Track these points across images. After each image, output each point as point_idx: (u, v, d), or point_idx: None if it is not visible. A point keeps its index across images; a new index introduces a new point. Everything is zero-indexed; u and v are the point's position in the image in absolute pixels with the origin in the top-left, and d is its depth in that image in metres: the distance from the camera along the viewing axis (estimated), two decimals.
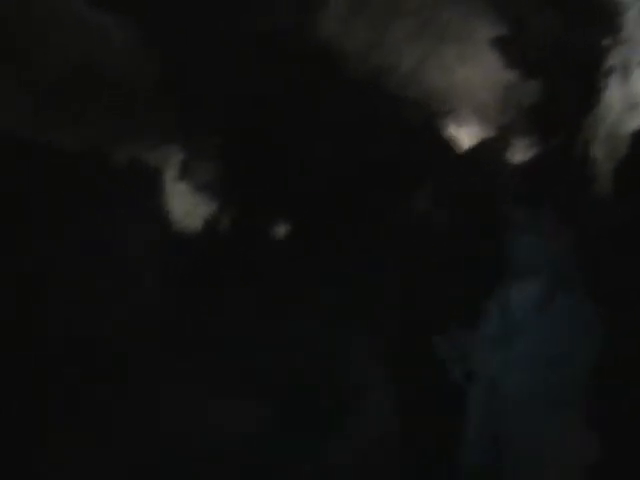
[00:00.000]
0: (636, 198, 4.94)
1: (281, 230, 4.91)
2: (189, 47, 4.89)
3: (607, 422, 4.25)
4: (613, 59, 5.14)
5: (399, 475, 4.45)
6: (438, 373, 4.52)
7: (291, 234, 4.89)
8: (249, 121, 4.92)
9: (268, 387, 4.45)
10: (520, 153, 5.12)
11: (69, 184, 4.75)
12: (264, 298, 4.72)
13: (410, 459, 4.45)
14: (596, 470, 4.17)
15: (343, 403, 4.44)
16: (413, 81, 5.09)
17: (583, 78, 5.18)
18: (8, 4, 4.60)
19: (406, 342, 4.66)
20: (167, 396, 4.39)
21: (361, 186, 4.96)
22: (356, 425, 4.45)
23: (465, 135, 5.13)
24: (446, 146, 5.10)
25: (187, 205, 4.94)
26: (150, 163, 4.86)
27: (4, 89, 4.61)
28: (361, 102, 5.02)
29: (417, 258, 4.86)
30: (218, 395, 4.39)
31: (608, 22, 5.20)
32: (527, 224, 4.97)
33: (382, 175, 5.00)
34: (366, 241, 4.91)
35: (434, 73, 5.12)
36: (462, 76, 5.10)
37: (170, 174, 4.95)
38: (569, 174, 5.09)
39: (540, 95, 5.15)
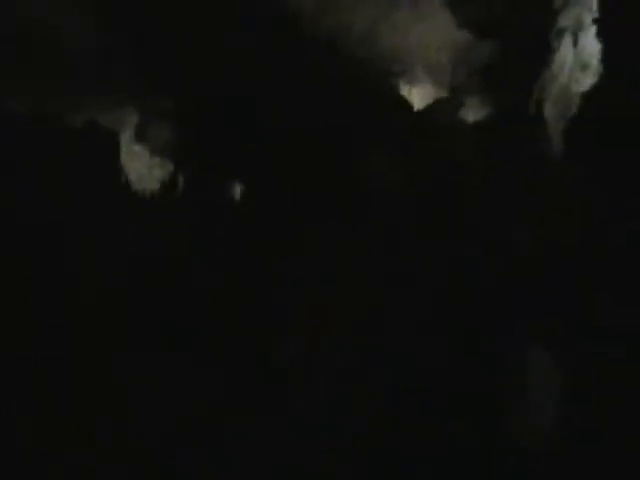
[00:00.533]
0: (585, 157, 5.04)
1: (236, 190, 4.96)
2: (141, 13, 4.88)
3: None
4: (565, 20, 5.18)
5: None
6: None
7: (246, 195, 4.96)
8: (204, 83, 4.93)
9: None
10: (473, 113, 5.22)
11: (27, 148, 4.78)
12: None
13: None
14: None
15: None
16: (367, 42, 5.10)
17: (535, 39, 5.22)
18: None
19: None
20: None
21: (314, 147, 5.01)
22: None
23: (418, 95, 5.22)
24: (400, 106, 5.19)
25: (144, 167, 4.96)
26: (106, 126, 4.89)
27: None
28: (315, 63, 5.04)
29: (375, 221, 4.94)
30: None
31: None
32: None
33: (336, 136, 5.04)
34: (319, 201, 4.97)
35: (388, 33, 5.12)
36: (416, 36, 5.12)
37: (126, 137, 4.97)
38: (521, 134, 5.16)
39: (493, 55, 5.21)
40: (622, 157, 4.86)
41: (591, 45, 5.13)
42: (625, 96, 4.92)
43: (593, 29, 5.09)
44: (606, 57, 5.05)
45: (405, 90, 5.17)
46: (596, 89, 5.04)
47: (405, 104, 5.12)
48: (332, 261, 4.76)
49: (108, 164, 4.78)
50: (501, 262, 4.73)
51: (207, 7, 4.96)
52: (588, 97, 5.05)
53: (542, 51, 5.17)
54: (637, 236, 4.66)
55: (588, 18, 5.10)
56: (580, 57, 5.14)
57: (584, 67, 5.12)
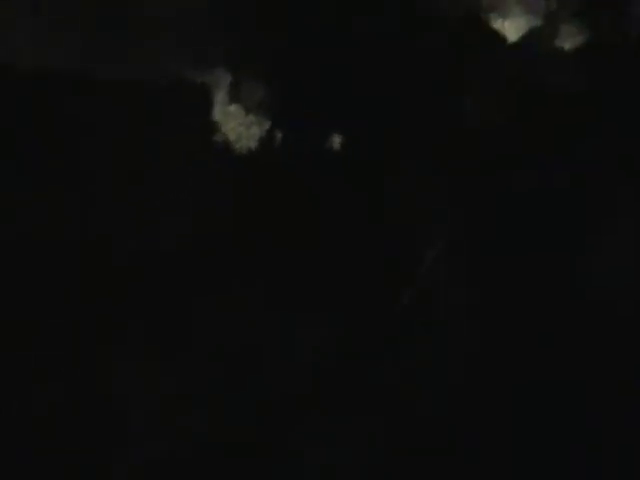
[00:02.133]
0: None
1: (336, 142, 4.94)
2: None
3: None
4: None
5: None
6: None
7: (345, 145, 4.94)
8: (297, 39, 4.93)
9: None
10: (570, 40, 5.07)
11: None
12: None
13: None
14: None
15: None
16: None
17: None
18: None
19: None
20: None
21: (407, 90, 4.96)
22: None
23: (512, 27, 5.11)
24: (493, 40, 5.08)
25: (241, 126, 4.98)
26: (201, 85, 4.93)
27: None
28: (406, 7, 4.98)
29: (467, 160, 4.88)
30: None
31: None
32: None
33: (428, 77, 4.98)
34: (417, 146, 4.93)
35: None
36: None
37: (220, 96, 5.00)
38: (625, 53, 5.01)
39: None
40: None
41: None
42: None
43: None
44: None
45: (498, 23, 5.08)
46: None
47: (499, 37, 5.04)
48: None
49: (203, 125, 4.83)
50: None
51: None
52: None
53: None
54: None
55: None
56: None
57: None
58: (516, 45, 4.95)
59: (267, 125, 4.91)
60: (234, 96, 4.93)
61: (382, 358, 4.31)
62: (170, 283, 4.48)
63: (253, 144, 4.89)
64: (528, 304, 4.37)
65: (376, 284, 4.45)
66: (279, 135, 4.89)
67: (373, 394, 4.27)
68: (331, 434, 4.18)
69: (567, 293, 4.37)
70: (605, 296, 4.32)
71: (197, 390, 4.31)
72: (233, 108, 4.93)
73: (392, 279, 4.42)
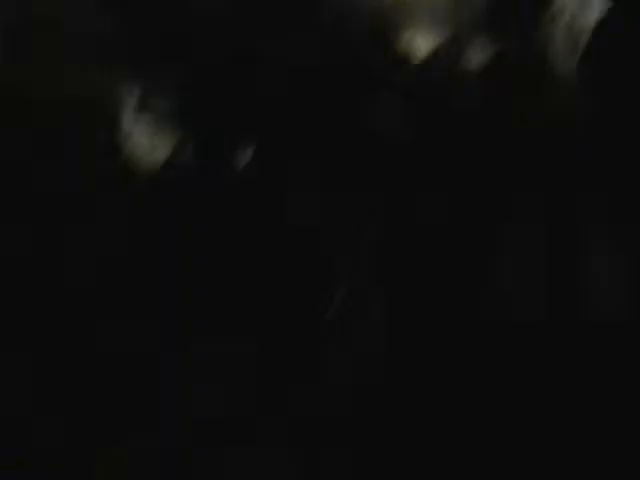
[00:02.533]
0: (599, 92, 4.98)
1: (247, 153, 4.96)
2: None
3: None
4: None
5: None
6: None
7: (256, 156, 4.97)
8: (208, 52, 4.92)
9: None
10: (477, 56, 5.13)
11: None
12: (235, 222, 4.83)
13: None
14: None
15: None
16: None
17: None
18: None
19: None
20: None
21: (319, 103, 4.99)
22: None
23: (420, 42, 5.16)
24: (402, 55, 5.12)
25: (149, 139, 4.97)
26: (108, 99, 4.90)
27: None
28: (313, 18, 4.99)
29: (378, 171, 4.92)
30: None
31: None
32: None
33: (339, 90, 5.01)
34: (330, 156, 4.97)
35: None
36: None
37: (129, 108, 4.98)
38: (528, 74, 5.09)
39: None
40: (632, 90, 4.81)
41: None
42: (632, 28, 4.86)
43: None
44: None
45: (404, 40, 5.11)
46: (604, 22, 4.97)
47: (406, 54, 5.07)
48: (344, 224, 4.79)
49: (112, 134, 4.82)
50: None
51: None
52: (597, 31, 4.98)
53: None
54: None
55: None
56: None
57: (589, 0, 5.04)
58: (423, 62, 5.00)
59: (177, 138, 4.92)
60: (143, 108, 4.92)
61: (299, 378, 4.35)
62: None
63: (162, 157, 4.90)
64: (442, 320, 4.43)
65: (289, 305, 4.48)
66: (189, 148, 4.91)
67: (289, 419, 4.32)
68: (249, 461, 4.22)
69: (477, 309, 4.44)
70: (514, 313, 4.40)
71: None
72: (142, 120, 4.92)
73: (306, 301, 4.46)
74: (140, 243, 4.58)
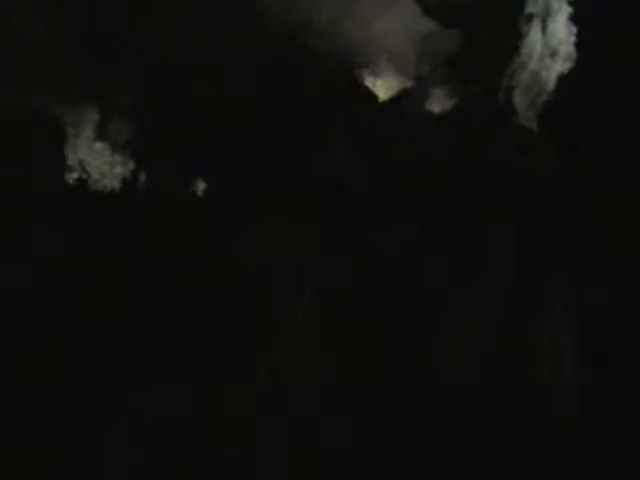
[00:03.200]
0: (560, 142, 4.97)
1: (200, 187, 4.90)
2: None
3: None
4: (533, 6, 5.10)
5: None
6: None
7: (210, 191, 4.90)
8: (164, 81, 4.88)
9: None
10: (439, 103, 5.13)
11: None
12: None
13: None
14: None
15: None
16: (331, 33, 4.97)
17: (503, 26, 5.15)
18: None
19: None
20: None
21: (281, 138, 4.94)
22: None
23: (383, 86, 5.07)
24: (365, 97, 5.11)
25: (105, 164, 4.90)
26: (68, 122, 4.84)
27: None
28: (279, 57, 4.97)
29: (338, 208, 4.86)
30: None
31: None
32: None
33: (302, 127, 4.97)
34: (288, 192, 4.90)
35: (352, 24, 4.92)
36: (380, 26, 4.92)
37: (87, 133, 4.92)
38: (491, 122, 5.09)
39: (459, 44, 5.11)
40: (594, 143, 4.80)
41: (560, 31, 5.05)
42: (595, 82, 4.87)
43: (562, 15, 5.03)
44: (577, 43, 5.00)
45: (370, 81, 5.11)
46: (566, 75, 4.99)
47: (370, 95, 5.08)
48: (298, 256, 4.70)
49: (68, 162, 4.74)
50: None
51: (166, 5, 4.92)
52: (560, 83, 4.99)
53: (511, 38, 5.11)
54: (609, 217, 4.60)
55: (556, 4, 5.03)
56: (549, 43, 5.07)
57: (554, 53, 5.05)
58: (386, 104, 5.00)
59: (131, 165, 4.86)
60: (100, 134, 4.87)
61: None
62: None
63: (116, 184, 4.83)
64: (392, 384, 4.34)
65: (231, 353, 4.37)
66: (143, 176, 4.84)
67: None
68: None
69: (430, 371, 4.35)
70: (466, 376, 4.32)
71: None
72: (99, 146, 4.87)
73: (248, 348, 4.36)
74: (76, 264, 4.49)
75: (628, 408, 3.93)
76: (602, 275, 4.25)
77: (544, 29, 4.99)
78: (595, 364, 4.05)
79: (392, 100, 4.97)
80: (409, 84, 5.00)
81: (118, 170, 4.81)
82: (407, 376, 4.24)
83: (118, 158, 4.82)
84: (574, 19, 4.95)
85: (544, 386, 4.08)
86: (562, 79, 4.89)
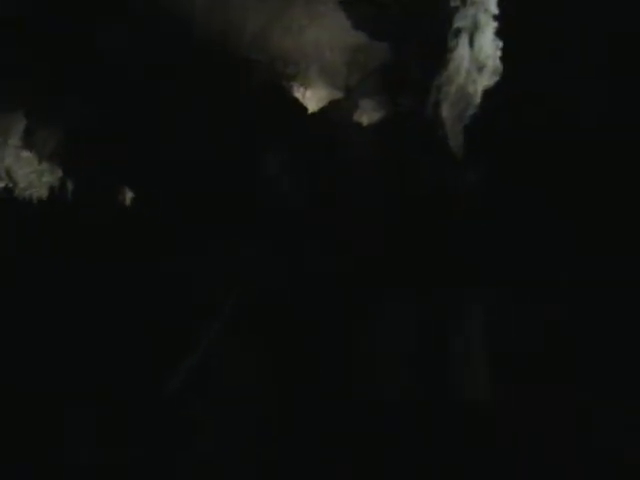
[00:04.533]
0: (485, 156, 5.04)
1: (128, 197, 4.90)
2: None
3: None
4: (461, 20, 5.17)
5: None
6: None
7: (137, 200, 4.90)
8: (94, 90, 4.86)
9: None
10: (368, 115, 5.19)
11: None
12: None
13: None
14: None
15: None
16: (259, 43, 4.87)
17: (431, 40, 5.22)
18: None
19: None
20: None
21: (206, 151, 4.96)
22: None
23: (313, 97, 5.03)
24: (293, 109, 5.15)
25: (32, 174, 4.88)
26: None
27: None
28: (205, 66, 4.99)
29: (273, 224, 4.88)
30: None
31: None
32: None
33: (229, 139, 4.99)
34: (217, 208, 4.91)
35: (281, 35, 4.87)
36: (310, 37, 4.89)
37: (14, 142, 4.90)
38: (418, 135, 5.15)
39: (388, 56, 5.17)
40: (522, 156, 4.87)
41: (488, 45, 5.12)
42: (524, 96, 4.95)
43: (489, 29, 5.11)
44: (504, 57, 5.07)
45: (299, 92, 5.14)
46: (494, 89, 5.06)
47: (299, 106, 5.14)
48: (230, 264, 4.71)
49: None
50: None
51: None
52: (486, 97, 5.07)
53: (438, 52, 5.17)
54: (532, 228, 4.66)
55: (484, 18, 5.08)
56: (477, 57, 5.13)
57: (481, 67, 5.12)
58: (316, 115, 5.03)
59: (59, 174, 4.85)
60: (28, 143, 4.85)
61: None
62: None
63: (44, 193, 4.82)
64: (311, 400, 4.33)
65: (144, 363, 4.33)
66: (70, 185, 4.84)
67: None
68: None
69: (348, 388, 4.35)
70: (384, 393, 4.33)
71: None
72: (26, 155, 4.85)
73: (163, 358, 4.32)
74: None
75: (542, 422, 4.01)
76: (515, 294, 4.34)
77: (471, 43, 5.06)
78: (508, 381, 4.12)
79: (322, 111, 5.01)
80: (339, 95, 5.05)
81: (46, 179, 4.80)
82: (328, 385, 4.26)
83: (46, 166, 4.81)
84: (499, 33, 5.04)
85: (459, 403, 4.13)
86: (488, 93, 4.97)
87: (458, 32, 5.13)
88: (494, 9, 5.10)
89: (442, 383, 4.31)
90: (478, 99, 5.02)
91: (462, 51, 5.12)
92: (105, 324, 4.36)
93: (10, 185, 4.76)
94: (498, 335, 4.29)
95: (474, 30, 5.10)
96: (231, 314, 4.40)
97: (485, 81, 5.04)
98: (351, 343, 4.49)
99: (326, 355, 4.42)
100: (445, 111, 5.09)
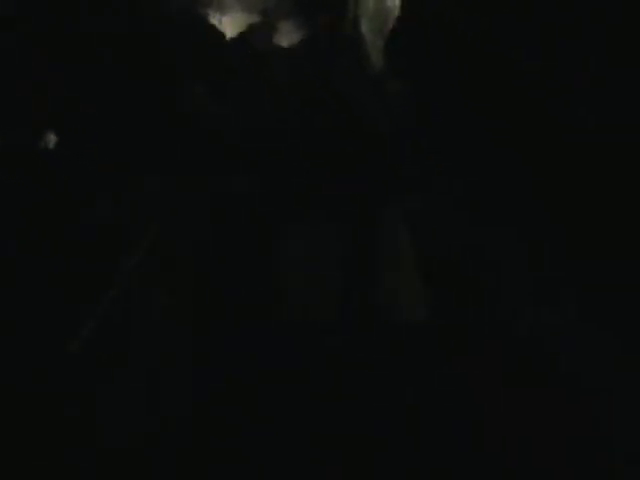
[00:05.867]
0: (407, 70, 5.05)
1: (52, 140, 4.78)
2: None
3: None
4: None
5: None
6: None
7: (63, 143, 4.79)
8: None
9: None
10: (287, 36, 5.13)
11: None
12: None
13: None
14: None
15: None
16: None
17: None
18: None
19: None
20: None
21: (130, 83, 4.84)
22: None
23: (230, 23, 4.99)
24: (211, 35, 5.06)
25: None
26: None
27: None
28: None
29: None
30: None
31: None
32: None
33: (153, 69, 4.89)
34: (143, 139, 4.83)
35: None
36: None
37: None
38: (341, 52, 5.12)
39: None
40: (439, 71, 4.89)
41: None
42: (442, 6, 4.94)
43: None
44: None
45: (215, 19, 5.09)
46: (410, 1, 5.04)
47: (217, 33, 5.03)
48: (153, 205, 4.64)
49: None
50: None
51: None
52: (403, 10, 5.05)
53: None
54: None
55: None
56: None
57: None
58: (235, 40, 4.96)
59: None
60: None
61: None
62: None
63: None
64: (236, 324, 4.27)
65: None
66: None
67: None
68: None
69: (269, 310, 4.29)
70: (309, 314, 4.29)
71: None
72: None
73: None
74: None
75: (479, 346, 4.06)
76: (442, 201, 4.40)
77: None
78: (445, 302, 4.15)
79: (240, 36, 4.94)
80: (256, 19, 4.98)
81: None
82: (258, 316, 4.21)
83: None
84: None
85: (400, 325, 4.14)
86: (405, 6, 4.95)
87: None
88: None
89: (373, 302, 4.30)
90: (396, 12, 5.00)
91: None
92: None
93: None
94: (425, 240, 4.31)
95: None
96: (148, 250, 4.33)
97: None
98: (271, 265, 4.42)
99: (245, 282, 4.35)
100: (364, 26, 5.06)
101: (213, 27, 4.89)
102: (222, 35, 4.90)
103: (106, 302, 4.01)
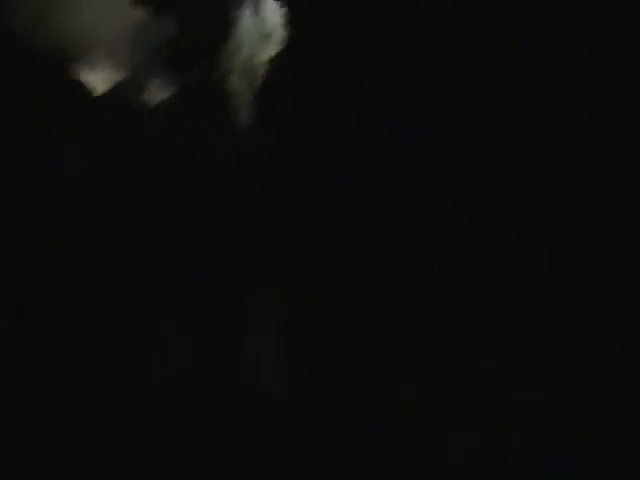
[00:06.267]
0: (276, 125, 5.14)
1: None
2: None
3: None
4: None
5: None
6: None
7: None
8: None
9: None
10: (158, 92, 5.15)
11: None
12: None
13: None
14: None
15: None
16: (39, 27, 4.80)
17: (214, 11, 5.21)
18: None
19: None
20: None
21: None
22: None
23: (99, 79, 4.90)
24: (81, 93, 5.04)
25: None
26: None
27: None
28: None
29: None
30: None
31: None
32: None
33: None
34: None
35: (60, 17, 4.81)
36: (89, 19, 4.80)
37: None
38: (209, 109, 5.17)
39: (172, 32, 5.13)
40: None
41: (272, 15, 5.19)
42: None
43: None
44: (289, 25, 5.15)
45: (84, 75, 5.05)
46: (280, 57, 5.14)
47: (86, 89, 5.03)
48: None
49: None
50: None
51: None
52: (272, 65, 5.14)
53: (222, 23, 5.18)
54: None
55: None
56: (261, 26, 5.20)
57: (266, 36, 5.19)
58: (104, 97, 4.95)
59: None
60: None
61: None
62: None
63: None
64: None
65: None
66: None
67: None
68: None
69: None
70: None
71: None
72: None
73: None
74: None
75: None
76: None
77: (256, 12, 5.11)
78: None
79: (109, 92, 4.92)
80: (125, 75, 4.97)
81: None
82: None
83: None
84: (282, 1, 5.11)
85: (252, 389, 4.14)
86: (274, 61, 5.05)
87: (241, 2, 5.16)
88: None
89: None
90: (265, 68, 5.08)
91: (247, 20, 5.15)
92: None
93: None
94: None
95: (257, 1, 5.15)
96: None
97: (272, 50, 5.10)
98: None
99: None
100: (234, 82, 5.12)
101: (81, 84, 4.86)
102: (91, 91, 4.88)
103: None
